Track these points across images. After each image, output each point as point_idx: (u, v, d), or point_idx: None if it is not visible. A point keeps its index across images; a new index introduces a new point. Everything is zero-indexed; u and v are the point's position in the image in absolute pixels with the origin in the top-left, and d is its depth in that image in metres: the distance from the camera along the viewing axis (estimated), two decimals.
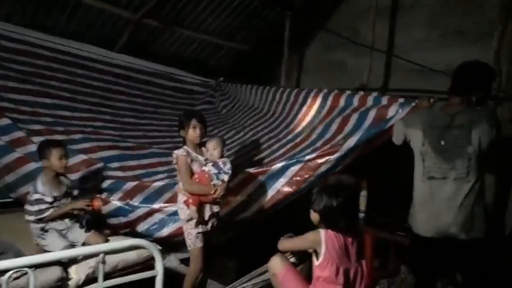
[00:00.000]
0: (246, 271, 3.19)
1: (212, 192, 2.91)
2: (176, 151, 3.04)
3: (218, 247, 3.34)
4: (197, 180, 2.98)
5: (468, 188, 2.42)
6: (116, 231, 3.49)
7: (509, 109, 3.79)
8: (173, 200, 3.53)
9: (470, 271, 2.57)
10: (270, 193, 3.50)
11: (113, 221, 3.58)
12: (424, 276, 2.71)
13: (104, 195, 3.61)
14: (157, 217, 3.57)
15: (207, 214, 3.03)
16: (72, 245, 2.98)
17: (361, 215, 4.05)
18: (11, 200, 3.83)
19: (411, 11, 5.03)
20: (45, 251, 2.88)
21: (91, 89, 4.90)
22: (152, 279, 2.50)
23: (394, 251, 3.88)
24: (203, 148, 3.13)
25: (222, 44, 6.26)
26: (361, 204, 4.07)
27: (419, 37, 4.83)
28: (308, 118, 4.15)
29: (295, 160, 3.50)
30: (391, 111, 3.23)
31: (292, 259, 2.62)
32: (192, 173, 3.00)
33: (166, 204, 3.59)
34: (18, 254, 2.65)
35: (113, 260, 2.86)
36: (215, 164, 3.02)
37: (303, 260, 2.66)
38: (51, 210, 3.00)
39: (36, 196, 2.97)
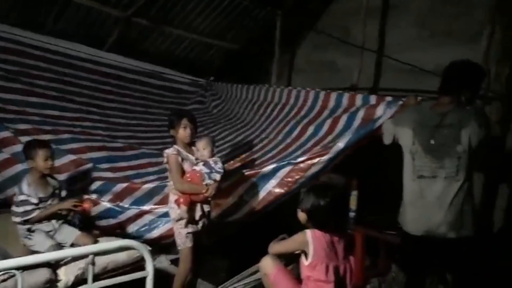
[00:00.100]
0: (236, 271, 3.19)
1: (203, 191, 2.89)
2: (166, 150, 3.02)
3: (208, 248, 3.33)
4: (189, 179, 2.96)
5: (457, 187, 2.43)
6: (105, 232, 3.45)
7: (498, 109, 3.82)
8: (163, 202, 3.51)
9: (460, 269, 2.58)
10: (261, 194, 3.50)
11: (102, 222, 3.55)
12: (415, 274, 2.73)
13: (93, 196, 3.58)
14: (147, 218, 3.55)
15: (198, 213, 3.01)
16: (60, 245, 2.95)
17: (352, 214, 4.07)
18: None
19: (401, 11, 5.06)
20: (32, 252, 2.84)
21: (80, 88, 4.84)
22: (142, 280, 2.48)
23: (385, 250, 3.89)
24: (193, 148, 3.12)
25: (212, 43, 6.24)
26: (352, 203, 4.10)
27: (409, 37, 4.86)
28: (298, 118, 4.16)
29: (286, 162, 3.51)
30: (379, 111, 3.26)
31: (283, 262, 2.62)
32: (183, 172, 2.98)
33: (156, 206, 3.57)
34: (6, 256, 2.62)
35: (102, 261, 2.82)
36: (206, 164, 3.00)
37: (292, 261, 2.66)
38: (37, 212, 2.97)
39: (21, 197, 2.94)
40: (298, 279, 2.43)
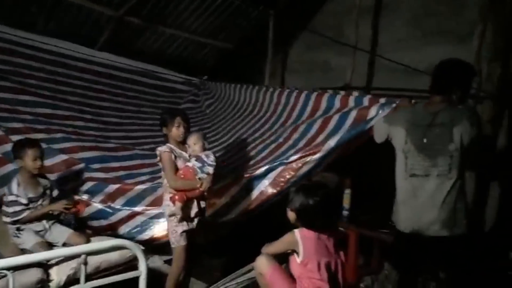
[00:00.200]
0: (230, 270, 3.18)
1: (198, 186, 2.89)
2: (159, 148, 3.01)
3: (202, 246, 3.32)
4: (182, 176, 2.95)
5: (450, 185, 2.45)
6: (97, 232, 3.43)
7: (489, 108, 3.85)
8: (155, 203, 3.51)
9: (453, 267, 2.60)
10: (254, 194, 3.51)
11: (94, 223, 3.53)
12: (407, 273, 2.74)
13: (85, 197, 3.56)
14: (139, 219, 3.53)
15: (194, 210, 3.00)
16: (49, 244, 2.93)
17: (345, 212, 4.09)
18: None
19: (394, 11, 5.09)
20: (22, 251, 2.82)
21: (72, 87, 4.81)
22: (135, 280, 2.46)
23: (378, 249, 3.91)
24: (186, 145, 3.10)
25: (205, 43, 6.23)
26: (345, 202, 4.11)
27: (401, 36, 4.89)
28: (290, 120, 4.17)
29: (278, 162, 3.51)
30: (372, 112, 3.26)
31: None
32: (176, 169, 2.97)
33: (148, 207, 3.55)
34: None
35: (95, 261, 2.80)
36: (198, 159, 3.00)
37: (284, 261, 2.67)
38: (27, 212, 2.95)
39: (11, 198, 2.92)
40: (293, 278, 2.44)
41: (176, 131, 3.02)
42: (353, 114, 3.42)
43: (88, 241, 3.01)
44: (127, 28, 5.42)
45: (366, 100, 3.46)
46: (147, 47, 5.84)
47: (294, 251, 2.36)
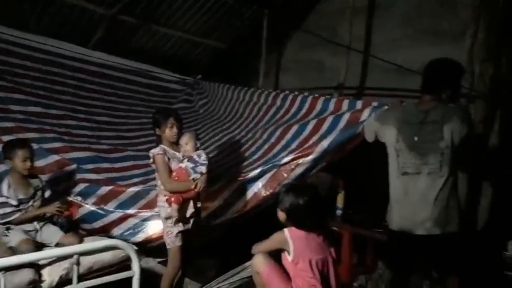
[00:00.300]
0: (224, 271, 3.17)
1: (192, 186, 2.88)
2: (152, 150, 2.98)
3: (197, 247, 3.31)
4: (176, 178, 2.94)
5: (441, 182, 2.46)
6: (90, 233, 3.41)
7: (482, 108, 3.87)
8: (148, 206, 3.49)
9: (446, 266, 2.61)
10: (248, 196, 3.51)
11: (85, 225, 3.49)
12: (401, 271, 2.75)
13: (77, 199, 3.53)
14: (131, 222, 3.51)
15: (190, 210, 2.98)
16: (40, 243, 2.90)
17: (339, 212, 4.11)
18: None
19: (387, 11, 5.11)
20: (12, 250, 2.78)
21: (65, 87, 4.77)
22: (129, 280, 2.45)
23: (372, 248, 3.92)
24: (179, 146, 3.09)
25: (200, 42, 6.22)
26: (339, 202, 4.13)
27: (395, 36, 4.91)
28: (283, 120, 4.17)
29: (271, 164, 3.52)
30: (364, 115, 3.28)
31: None
32: (170, 171, 2.96)
33: (141, 210, 3.54)
34: None
35: (87, 261, 2.78)
36: (190, 159, 2.98)
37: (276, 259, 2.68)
38: (17, 214, 2.93)
39: (0, 199, 2.89)
40: (289, 276, 2.44)
41: (169, 132, 3.00)
42: (346, 116, 3.44)
43: (81, 242, 2.98)
44: (120, 27, 5.39)
45: (359, 104, 3.48)
46: (141, 46, 5.82)
47: (285, 250, 2.37)
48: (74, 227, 3.20)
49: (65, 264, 2.70)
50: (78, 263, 2.37)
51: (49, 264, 2.72)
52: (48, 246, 2.95)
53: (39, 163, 3.54)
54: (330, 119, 3.58)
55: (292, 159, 3.43)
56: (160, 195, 3.01)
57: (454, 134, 2.44)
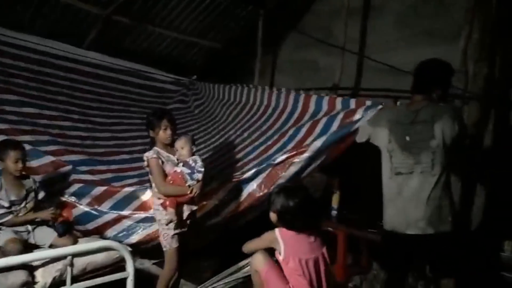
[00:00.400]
0: (220, 271, 3.17)
1: (188, 192, 2.86)
2: (146, 154, 2.95)
3: (193, 249, 3.30)
4: (171, 182, 2.92)
5: (433, 181, 2.47)
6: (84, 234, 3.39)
7: (476, 109, 3.88)
8: (142, 207, 3.48)
9: (440, 265, 2.62)
10: (242, 196, 3.50)
11: (79, 227, 3.47)
12: (395, 272, 2.75)
13: (71, 199, 3.51)
14: (125, 223, 3.49)
15: (185, 213, 2.97)
16: (23, 240, 2.87)
17: (334, 212, 4.11)
18: None
19: (382, 12, 5.12)
20: (0, 252, 2.76)
21: (59, 87, 4.75)
22: (123, 281, 2.44)
23: (367, 248, 3.93)
24: (174, 148, 3.07)
25: (195, 42, 6.21)
26: (333, 202, 4.13)
27: (390, 37, 4.91)
28: (279, 122, 4.17)
29: (265, 164, 3.51)
30: (358, 114, 3.28)
31: None
32: (165, 174, 2.94)
33: (135, 212, 3.52)
34: None
35: (81, 262, 2.76)
36: (185, 164, 2.95)
37: None
38: (9, 216, 2.91)
39: None
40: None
41: (163, 134, 2.98)
42: (340, 116, 3.44)
43: (75, 243, 2.96)
44: (115, 27, 5.37)
45: (352, 103, 3.48)
46: (136, 46, 5.80)
47: (276, 249, 2.40)
48: (70, 229, 3.18)
49: (59, 265, 2.69)
50: (71, 264, 2.36)
51: (43, 265, 2.71)
52: (41, 247, 2.93)
53: (33, 163, 3.53)
54: (324, 120, 3.58)
55: (287, 158, 3.43)
56: (155, 198, 3.00)
57: (445, 132, 2.45)
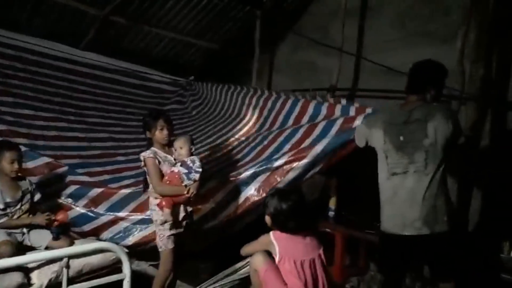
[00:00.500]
0: (217, 273, 3.15)
1: (184, 192, 2.86)
2: (143, 153, 2.95)
3: (190, 250, 3.29)
4: (168, 182, 2.91)
5: (428, 180, 2.47)
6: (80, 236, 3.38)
7: (473, 109, 3.89)
8: (139, 209, 3.47)
9: (437, 266, 2.61)
10: (240, 200, 3.49)
11: (75, 228, 3.46)
12: (393, 272, 2.75)
13: (68, 201, 3.50)
14: (122, 225, 3.47)
15: (181, 214, 2.96)
16: (17, 242, 2.85)
17: (331, 213, 4.11)
18: None
19: (379, 12, 5.12)
20: None
21: (55, 88, 4.73)
22: (119, 283, 2.43)
23: (364, 249, 3.93)
24: (172, 148, 3.07)
25: (192, 43, 6.20)
26: (331, 203, 4.13)
27: (387, 38, 4.91)
28: (277, 124, 4.14)
29: (264, 167, 3.49)
30: (357, 122, 3.26)
31: None
32: (162, 174, 2.93)
33: (131, 213, 3.51)
34: None
35: (77, 264, 2.75)
36: (183, 164, 2.95)
37: None
38: (4, 218, 2.89)
39: None
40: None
41: (159, 134, 2.98)
42: (339, 122, 3.42)
43: (71, 244, 2.94)
44: (112, 28, 5.36)
45: (352, 110, 3.46)
46: (133, 47, 5.79)
47: (271, 252, 2.40)
48: (65, 232, 3.17)
49: (55, 267, 2.68)
50: (68, 266, 2.34)
51: (38, 267, 2.69)
52: (37, 249, 2.91)
53: (30, 164, 3.51)
54: (323, 123, 3.56)
55: (286, 163, 3.40)
56: (152, 198, 2.99)
57: (438, 131, 2.45)
